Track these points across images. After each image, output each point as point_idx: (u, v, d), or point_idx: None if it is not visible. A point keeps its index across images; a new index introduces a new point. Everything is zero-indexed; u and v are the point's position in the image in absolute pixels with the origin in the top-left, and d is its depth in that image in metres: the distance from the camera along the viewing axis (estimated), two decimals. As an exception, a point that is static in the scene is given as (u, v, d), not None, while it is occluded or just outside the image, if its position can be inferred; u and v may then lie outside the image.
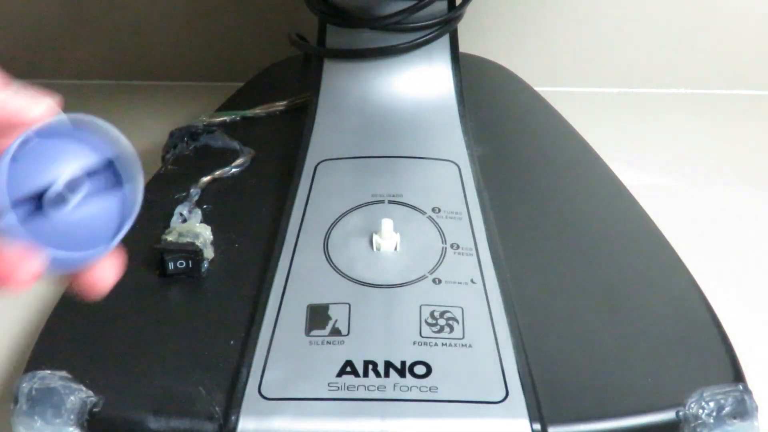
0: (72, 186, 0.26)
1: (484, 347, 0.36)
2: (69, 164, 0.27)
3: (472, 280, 0.39)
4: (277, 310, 0.38)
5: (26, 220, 0.26)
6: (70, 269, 0.27)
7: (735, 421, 0.33)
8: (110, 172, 0.27)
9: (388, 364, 0.35)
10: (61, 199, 0.26)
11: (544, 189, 0.50)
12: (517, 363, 0.35)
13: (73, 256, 0.26)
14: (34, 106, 0.26)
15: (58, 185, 0.26)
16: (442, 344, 0.36)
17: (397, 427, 0.33)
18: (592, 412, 0.34)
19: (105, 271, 0.27)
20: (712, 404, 0.34)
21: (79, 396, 0.34)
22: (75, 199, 0.26)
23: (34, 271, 0.25)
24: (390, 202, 0.44)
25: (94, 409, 0.33)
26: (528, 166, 0.52)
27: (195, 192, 0.47)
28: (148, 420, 0.33)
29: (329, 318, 0.37)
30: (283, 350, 0.36)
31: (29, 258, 0.25)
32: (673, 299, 0.41)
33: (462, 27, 0.53)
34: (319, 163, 0.47)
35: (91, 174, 0.27)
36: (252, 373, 0.34)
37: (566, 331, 0.38)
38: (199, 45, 0.76)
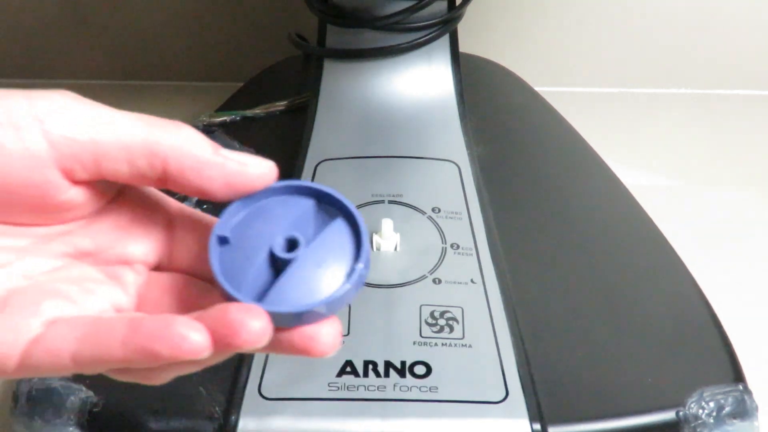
0: (292, 242, 0.24)
1: (484, 347, 0.36)
2: (283, 221, 0.25)
3: (472, 280, 0.39)
4: (277, 310, 0.38)
5: (255, 287, 0.24)
6: (295, 324, 0.24)
7: (735, 421, 0.33)
8: (332, 226, 0.25)
9: (388, 364, 0.35)
10: (287, 255, 0.24)
11: (544, 189, 0.50)
12: (517, 363, 0.35)
13: (295, 304, 0.23)
14: (256, 165, 0.25)
15: (280, 245, 0.24)
16: (442, 344, 0.36)
17: (397, 427, 0.32)
18: (592, 412, 0.34)
19: (327, 330, 0.23)
20: (712, 404, 0.34)
21: (79, 396, 0.34)
22: (299, 253, 0.24)
23: (260, 329, 0.22)
24: (390, 202, 0.44)
25: (94, 409, 0.33)
26: (528, 166, 0.52)
27: (195, 192, 0.47)
28: (148, 420, 0.33)
29: (329, 318, 0.37)
30: (283, 350, 0.36)
31: (254, 315, 0.22)
32: (673, 299, 0.41)
33: (462, 27, 0.53)
34: (319, 163, 0.47)
35: (311, 228, 0.25)
36: (252, 373, 0.34)
37: (566, 332, 0.38)
38: (199, 45, 0.76)
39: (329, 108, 0.51)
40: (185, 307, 0.26)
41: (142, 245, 0.26)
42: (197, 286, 0.26)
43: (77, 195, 0.24)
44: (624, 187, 0.50)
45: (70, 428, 0.33)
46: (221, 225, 0.25)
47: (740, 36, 0.74)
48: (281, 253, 0.24)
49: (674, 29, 0.74)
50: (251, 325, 0.22)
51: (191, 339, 0.21)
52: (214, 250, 0.24)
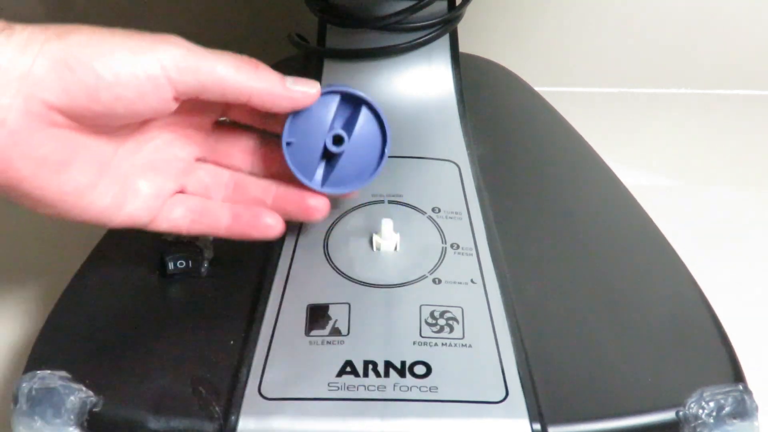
0: (338, 138, 0.38)
1: (484, 347, 0.36)
2: (325, 121, 0.38)
3: (472, 280, 0.39)
4: (277, 310, 0.38)
5: (318, 175, 0.39)
6: (344, 193, 0.40)
7: (735, 421, 0.33)
8: (361, 117, 0.38)
9: (388, 364, 0.35)
10: (338, 145, 0.38)
11: (544, 189, 0.50)
12: (517, 363, 0.35)
13: (350, 186, 0.39)
14: (311, 89, 0.37)
15: (330, 141, 0.38)
16: (442, 344, 0.36)
17: (397, 427, 0.33)
18: (592, 412, 0.34)
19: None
20: (712, 404, 0.34)
21: (79, 396, 0.34)
22: (345, 147, 0.38)
23: (325, 210, 0.39)
24: (390, 202, 0.44)
25: (94, 409, 0.33)
26: (528, 166, 0.52)
27: (195, 192, 0.46)
28: (148, 420, 0.33)
29: (329, 318, 0.37)
30: (283, 350, 0.36)
31: (321, 200, 0.39)
32: (673, 299, 0.41)
33: (462, 27, 0.53)
34: (319, 163, 0.47)
35: (349, 121, 0.38)
36: (252, 373, 0.34)
37: (566, 331, 0.38)
38: (199, 45, 0.76)
39: (329, 108, 0.51)
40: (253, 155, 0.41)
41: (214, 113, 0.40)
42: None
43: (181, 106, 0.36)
44: (624, 187, 0.50)
45: (70, 428, 0.33)
46: (287, 134, 0.38)
47: (740, 36, 0.74)
48: (333, 148, 0.38)
49: (674, 29, 0.74)
50: (320, 208, 0.39)
51: (275, 229, 0.39)
52: (286, 152, 0.38)
